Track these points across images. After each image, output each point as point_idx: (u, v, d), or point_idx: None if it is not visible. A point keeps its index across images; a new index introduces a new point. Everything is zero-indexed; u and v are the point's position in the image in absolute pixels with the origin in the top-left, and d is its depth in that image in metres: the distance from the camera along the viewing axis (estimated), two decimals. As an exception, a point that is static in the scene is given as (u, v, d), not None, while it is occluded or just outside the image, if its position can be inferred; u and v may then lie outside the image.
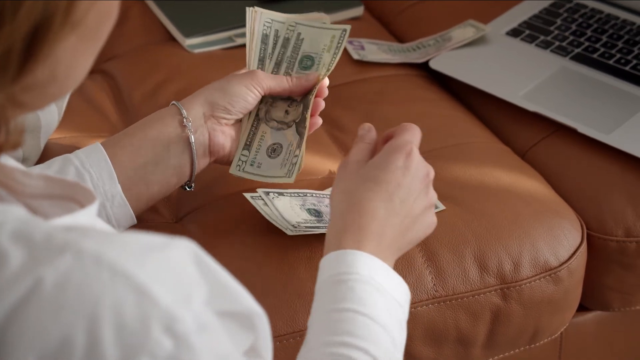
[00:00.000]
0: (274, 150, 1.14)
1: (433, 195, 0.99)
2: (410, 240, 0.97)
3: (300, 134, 1.14)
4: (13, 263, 0.66)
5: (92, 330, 0.65)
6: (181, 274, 0.68)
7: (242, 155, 1.13)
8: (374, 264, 0.91)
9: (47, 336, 0.65)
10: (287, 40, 1.15)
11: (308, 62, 1.15)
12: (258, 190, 1.12)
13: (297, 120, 1.14)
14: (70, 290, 0.65)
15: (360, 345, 0.87)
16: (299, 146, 1.12)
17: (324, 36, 1.15)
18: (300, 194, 1.13)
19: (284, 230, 1.07)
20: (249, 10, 1.15)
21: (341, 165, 0.99)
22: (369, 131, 1.01)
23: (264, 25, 1.15)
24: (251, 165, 1.13)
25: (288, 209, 1.10)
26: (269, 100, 1.14)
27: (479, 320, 1.13)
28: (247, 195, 1.11)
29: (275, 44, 1.16)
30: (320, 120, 1.16)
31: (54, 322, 0.65)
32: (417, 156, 0.97)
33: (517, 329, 1.16)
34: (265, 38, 1.15)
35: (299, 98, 1.15)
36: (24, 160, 1.17)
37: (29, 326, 0.65)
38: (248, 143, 1.13)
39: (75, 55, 0.69)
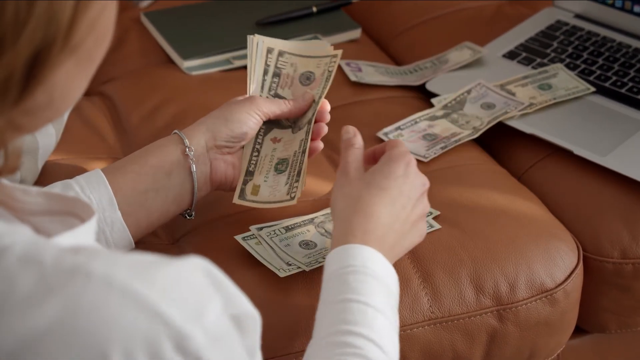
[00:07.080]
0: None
1: (426, 205, 1.04)
2: (406, 246, 1.02)
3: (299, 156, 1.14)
4: (23, 288, 0.65)
5: (105, 355, 0.65)
6: (192, 288, 0.69)
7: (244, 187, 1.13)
8: (375, 257, 0.96)
9: None
10: (279, 69, 1.16)
11: (307, 79, 1.17)
12: (251, 227, 1.12)
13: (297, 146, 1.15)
14: (81, 315, 0.65)
15: (357, 331, 0.91)
16: (299, 173, 1.13)
17: (312, 63, 1.17)
18: (291, 227, 1.13)
19: (276, 272, 1.07)
20: (250, 38, 1.16)
21: (341, 171, 1.03)
22: (355, 135, 1.07)
23: (267, 54, 1.16)
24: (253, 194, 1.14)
25: (281, 248, 1.10)
26: (265, 129, 1.14)
27: (475, 342, 1.13)
28: (238, 238, 1.11)
29: (271, 73, 1.16)
30: (321, 145, 1.17)
31: (68, 349, 0.65)
32: (414, 166, 1.03)
33: (513, 350, 1.16)
34: (267, 68, 1.16)
35: (294, 126, 1.16)
36: (21, 182, 1.17)
37: (43, 356, 0.65)
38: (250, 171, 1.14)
39: (71, 78, 0.70)
